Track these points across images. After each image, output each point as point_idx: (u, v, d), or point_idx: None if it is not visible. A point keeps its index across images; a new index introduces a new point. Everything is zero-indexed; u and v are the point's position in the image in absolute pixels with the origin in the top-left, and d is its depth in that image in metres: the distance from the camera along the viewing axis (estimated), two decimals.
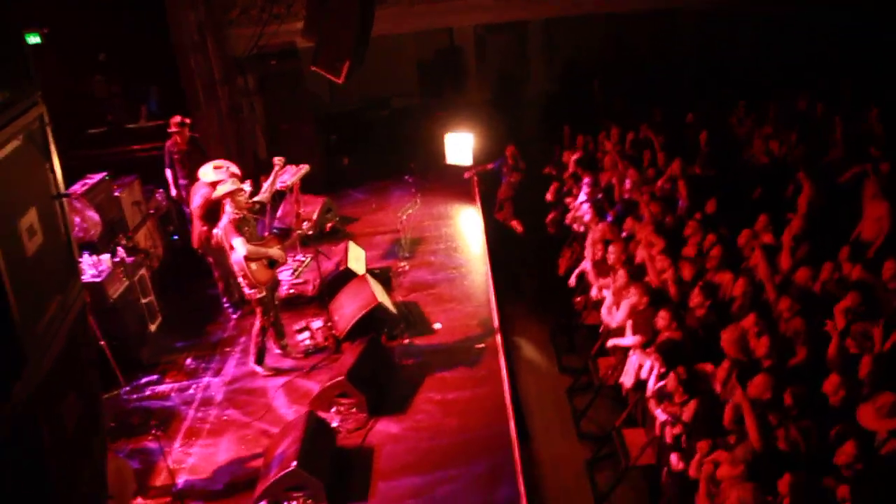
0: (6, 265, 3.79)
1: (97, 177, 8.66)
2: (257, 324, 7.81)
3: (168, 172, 9.68)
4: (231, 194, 7.39)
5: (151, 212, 9.76)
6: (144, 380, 8.07)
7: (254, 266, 7.36)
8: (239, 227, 7.33)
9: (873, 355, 5.96)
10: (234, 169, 8.36)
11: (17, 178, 4.15)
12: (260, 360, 8.00)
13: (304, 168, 10.24)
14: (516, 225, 11.19)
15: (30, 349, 3.96)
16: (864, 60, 13.56)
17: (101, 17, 10.58)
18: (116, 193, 8.97)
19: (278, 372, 8.00)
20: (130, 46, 10.84)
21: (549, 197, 10.92)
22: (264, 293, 7.58)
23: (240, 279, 7.56)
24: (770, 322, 6.63)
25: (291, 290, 9.57)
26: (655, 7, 14.97)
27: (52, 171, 4.64)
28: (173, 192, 9.76)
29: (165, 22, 10.73)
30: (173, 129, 9.40)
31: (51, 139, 4.59)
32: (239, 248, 7.26)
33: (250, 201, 7.61)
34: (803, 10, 14.17)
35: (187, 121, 9.51)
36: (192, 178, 8.93)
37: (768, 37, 15.12)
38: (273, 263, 7.61)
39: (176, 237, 10.37)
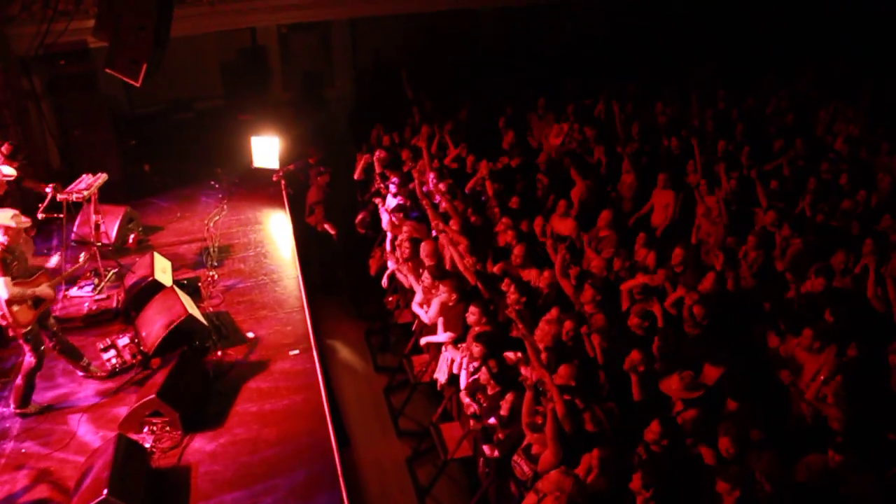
0: None
1: None
2: (27, 360, 7.05)
3: None
4: (6, 229, 6.66)
5: None
6: None
7: (15, 307, 6.72)
8: (6, 263, 6.65)
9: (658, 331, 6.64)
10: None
11: None
12: (25, 404, 7.22)
13: (102, 177, 9.67)
14: (329, 228, 11.17)
15: None
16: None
17: None
18: None
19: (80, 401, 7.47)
20: None
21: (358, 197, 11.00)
22: (29, 328, 6.89)
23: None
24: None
25: (94, 308, 9.05)
26: (451, 7, 15.44)
27: None
28: None
29: None
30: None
31: None
32: (0, 290, 6.62)
33: (27, 231, 6.98)
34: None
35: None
36: None
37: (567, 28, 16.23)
38: (38, 303, 6.96)
39: None
